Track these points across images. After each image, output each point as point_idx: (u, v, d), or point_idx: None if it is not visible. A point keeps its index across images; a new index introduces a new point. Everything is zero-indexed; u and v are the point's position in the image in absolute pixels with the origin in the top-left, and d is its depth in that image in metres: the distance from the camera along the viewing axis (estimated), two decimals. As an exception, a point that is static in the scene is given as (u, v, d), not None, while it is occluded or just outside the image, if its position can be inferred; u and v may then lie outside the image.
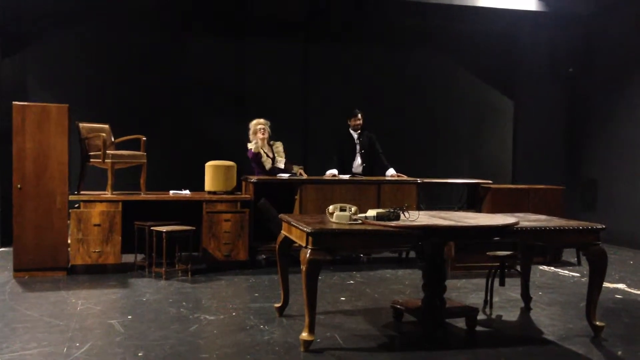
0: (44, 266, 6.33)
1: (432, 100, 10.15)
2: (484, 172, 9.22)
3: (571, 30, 10.04)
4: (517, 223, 4.43)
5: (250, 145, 7.34)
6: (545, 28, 10.05)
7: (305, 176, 7.31)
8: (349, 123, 7.82)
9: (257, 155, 7.30)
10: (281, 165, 7.38)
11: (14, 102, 6.39)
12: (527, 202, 7.41)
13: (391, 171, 7.67)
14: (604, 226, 4.63)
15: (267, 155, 7.36)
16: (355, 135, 7.80)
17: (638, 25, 9.14)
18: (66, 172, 6.40)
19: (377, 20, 9.74)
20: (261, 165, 7.33)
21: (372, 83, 9.77)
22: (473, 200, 7.77)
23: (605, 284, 5.97)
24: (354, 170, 7.75)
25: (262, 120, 7.43)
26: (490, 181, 7.85)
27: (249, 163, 7.43)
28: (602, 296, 5.11)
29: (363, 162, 7.79)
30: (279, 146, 7.49)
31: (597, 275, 4.58)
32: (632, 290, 6.21)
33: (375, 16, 9.72)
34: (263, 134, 7.36)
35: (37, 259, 6.31)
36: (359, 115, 7.77)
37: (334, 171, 7.51)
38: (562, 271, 7.17)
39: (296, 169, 7.41)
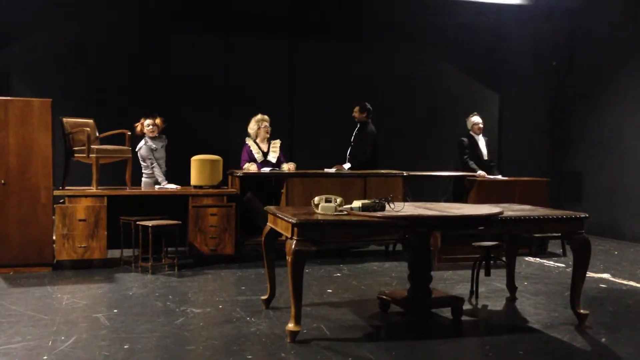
0: (29, 262, 6.28)
1: (418, 94, 10.16)
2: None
3: (555, 24, 10.09)
4: (501, 213, 4.45)
5: (248, 140, 7.39)
6: (529, 22, 10.10)
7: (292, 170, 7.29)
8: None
9: (248, 147, 7.34)
10: (272, 160, 7.36)
11: (-4, 97, 6.34)
12: (512, 194, 7.45)
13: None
14: (587, 215, 4.67)
15: (260, 149, 7.36)
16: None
17: (621, 20, 9.21)
18: (50, 167, 6.35)
19: (361, 15, 9.73)
20: (252, 157, 7.34)
21: (358, 77, 9.76)
22: (459, 192, 7.80)
23: (590, 274, 6.06)
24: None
25: (266, 117, 7.45)
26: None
27: (235, 156, 7.41)
28: (587, 285, 5.16)
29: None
30: (276, 144, 7.50)
31: (581, 264, 4.62)
32: (616, 280, 6.27)
33: (360, 11, 9.71)
34: (267, 132, 7.37)
35: (22, 254, 6.26)
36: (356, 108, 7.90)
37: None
38: (547, 262, 7.22)
39: (286, 166, 7.37)
